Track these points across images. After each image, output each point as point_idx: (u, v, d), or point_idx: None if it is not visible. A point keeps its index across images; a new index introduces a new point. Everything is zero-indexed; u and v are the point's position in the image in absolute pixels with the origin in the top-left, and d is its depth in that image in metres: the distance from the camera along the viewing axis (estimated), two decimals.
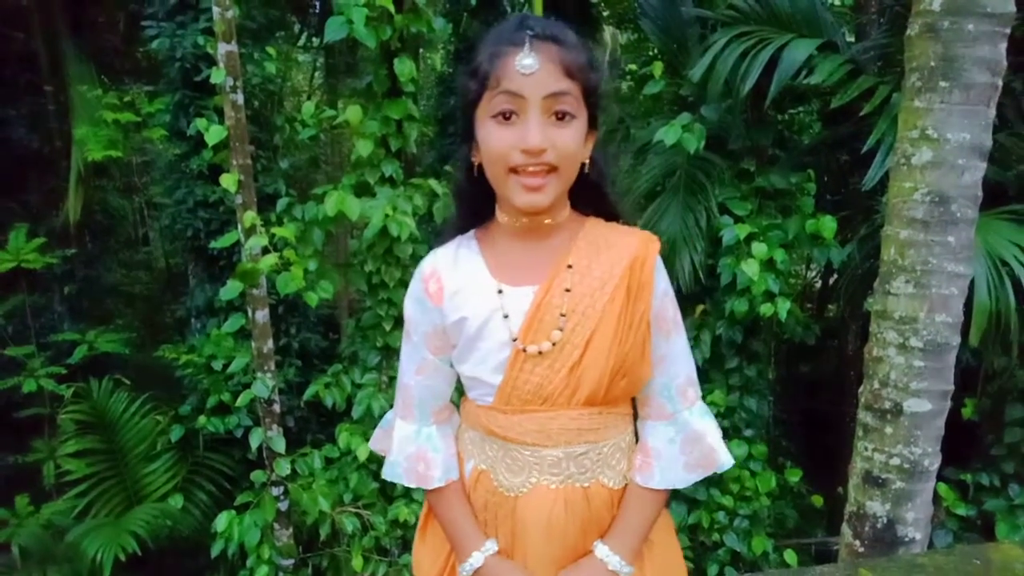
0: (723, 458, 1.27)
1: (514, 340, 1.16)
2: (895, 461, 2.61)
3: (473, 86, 1.12)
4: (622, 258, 1.18)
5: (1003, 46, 2.33)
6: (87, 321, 6.02)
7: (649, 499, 1.23)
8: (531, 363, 1.16)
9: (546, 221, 1.19)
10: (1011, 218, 3.43)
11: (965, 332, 3.23)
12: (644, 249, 1.20)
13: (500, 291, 1.18)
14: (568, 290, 1.16)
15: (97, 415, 4.84)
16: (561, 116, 1.09)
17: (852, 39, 5.19)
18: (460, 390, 1.33)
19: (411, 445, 1.29)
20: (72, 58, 5.83)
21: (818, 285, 7.37)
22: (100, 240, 6.95)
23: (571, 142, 1.10)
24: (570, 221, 1.23)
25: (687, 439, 1.25)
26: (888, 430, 2.62)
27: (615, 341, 1.15)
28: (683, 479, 1.25)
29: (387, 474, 1.31)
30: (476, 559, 1.22)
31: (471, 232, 1.27)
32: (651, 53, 5.52)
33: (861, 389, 2.74)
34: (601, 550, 1.20)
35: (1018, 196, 3.85)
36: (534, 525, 1.19)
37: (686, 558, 3.13)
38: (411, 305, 1.26)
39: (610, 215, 1.27)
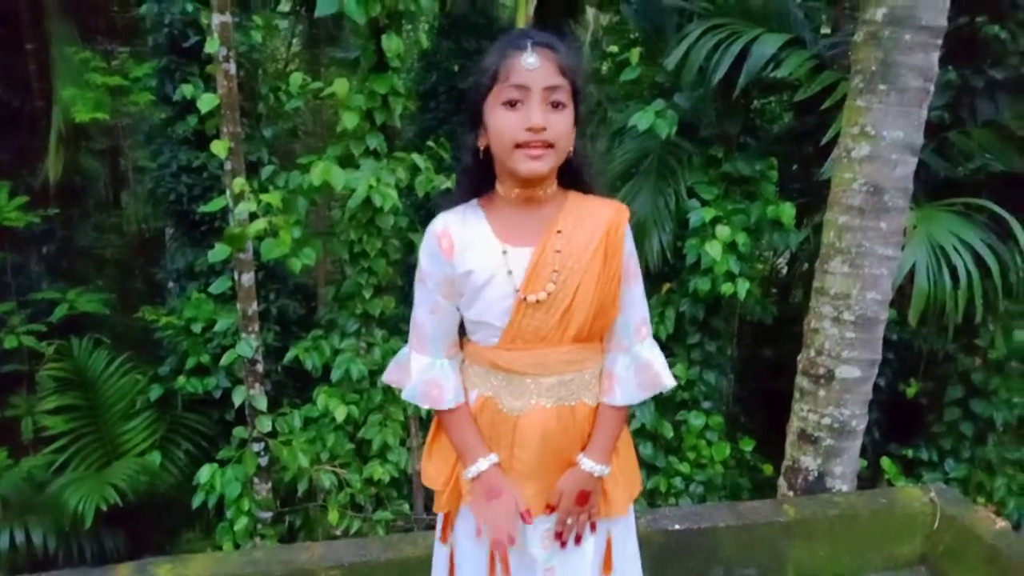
0: (666, 380, 1.58)
1: (517, 291, 1.44)
2: (826, 421, 2.91)
3: (485, 81, 1.38)
4: (600, 225, 1.47)
5: (935, 55, 2.59)
6: (65, 281, 6.06)
7: (614, 415, 1.55)
8: (531, 310, 1.44)
9: (539, 192, 1.46)
10: (954, 210, 3.68)
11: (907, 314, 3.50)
12: (617, 217, 1.50)
13: (504, 251, 1.45)
14: (558, 251, 1.44)
15: (77, 373, 4.92)
16: (556, 105, 1.37)
17: (829, 30, 5.40)
18: (460, 334, 1.59)
19: (427, 374, 1.54)
20: (55, 17, 5.81)
21: (785, 271, 7.64)
22: (76, 202, 6.94)
23: (564, 126, 1.39)
24: (557, 195, 1.51)
25: (639, 366, 1.55)
26: (821, 393, 2.91)
27: (596, 290, 1.45)
28: (637, 396, 1.55)
29: (407, 396, 1.56)
30: (481, 464, 1.50)
31: (475, 201, 1.53)
32: (631, 36, 5.66)
33: (800, 357, 3.02)
34: (584, 461, 1.52)
35: (968, 191, 4.11)
36: (532, 437, 1.49)
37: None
38: (425, 258, 1.51)
39: (588, 190, 1.55)
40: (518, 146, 1.36)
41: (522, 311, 1.44)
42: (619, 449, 1.61)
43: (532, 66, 1.33)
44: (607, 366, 1.56)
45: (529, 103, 1.34)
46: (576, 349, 1.49)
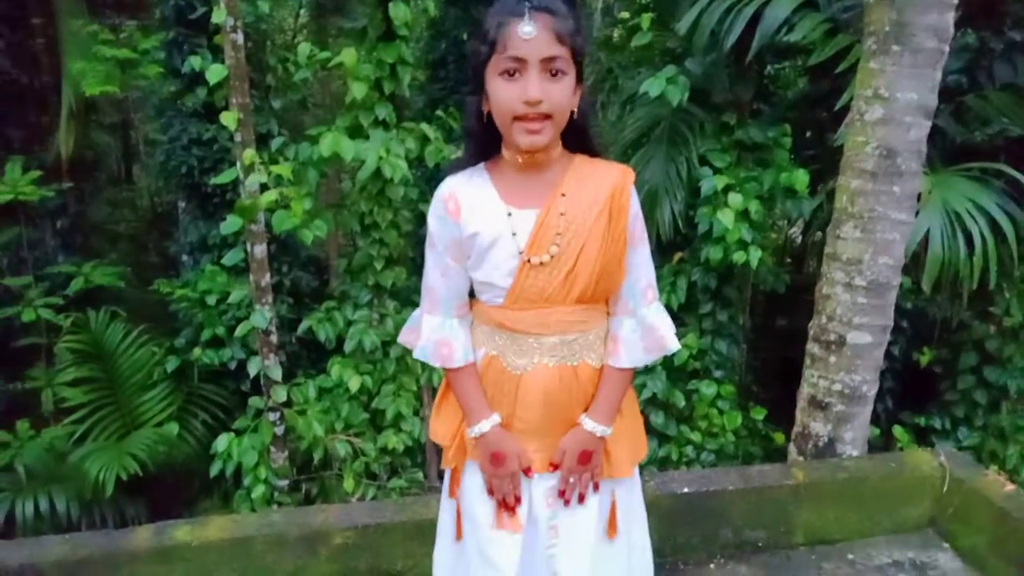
0: (671, 344, 1.59)
1: (521, 253, 1.46)
2: (837, 387, 2.91)
3: (484, 49, 1.37)
4: (605, 187, 1.48)
5: (950, 15, 2.53)
6: (80, 255, 6.11)
7: (618, 377, 1.57)
8: (535, 271, 1.46)
9: (542, 157, 1.46)
10: (970, 175, 3.63)
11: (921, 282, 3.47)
12: (622, 179, 1.50)
13: (509, 214, 1.47)
14: (562, 214, 1.46)
15: (94, 345, 4.98)
16: (554, 73, 1.35)
17: None
18: (470, 295, 1.63)
19: (437, 333, 1.58)
20: None
21: (799, 240, 7.59)
22: (88, 176, 6.98)
23: (562, 96, 1.37)
24: (561, 157, 1.51)
25: (645, 329, 1.56)
26: (832, 359, 2.91)
27: (600, 253, 1.46)
28: (642, 359, 1.57)
29: (418, 355, 1.60)
30: (484, 425, 1.54)
31: (481, 165, 1.54)
32: (642, 2, 5.58)
33: (811, 323, 3.01)
34: (586, 421, 1.55)
35: (985, 156, 4.05)
36: (535, 395, 1.52)
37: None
38: (433, 221, 1.54)
39: (593, 152, 1.55)
40: (516, 119, 1.36)
41: (525, 272, 1.46)
42: (624, 412, 1.62)
43: (529, 35, 1.31)
44: (612, 329, 1.58)
45: (526, 74, 1.33)
46: (580, 310, 1.51)
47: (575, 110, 1.44)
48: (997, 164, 3.76)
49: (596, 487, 1.58)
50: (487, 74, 1.39)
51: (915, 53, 2.55)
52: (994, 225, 3.57)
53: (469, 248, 1.50)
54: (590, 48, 1.57)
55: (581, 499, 1.57)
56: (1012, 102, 3.91)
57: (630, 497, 1.68)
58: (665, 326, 1.58)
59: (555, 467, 1.56)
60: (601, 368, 1.57)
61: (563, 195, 1.46)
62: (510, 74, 1.34)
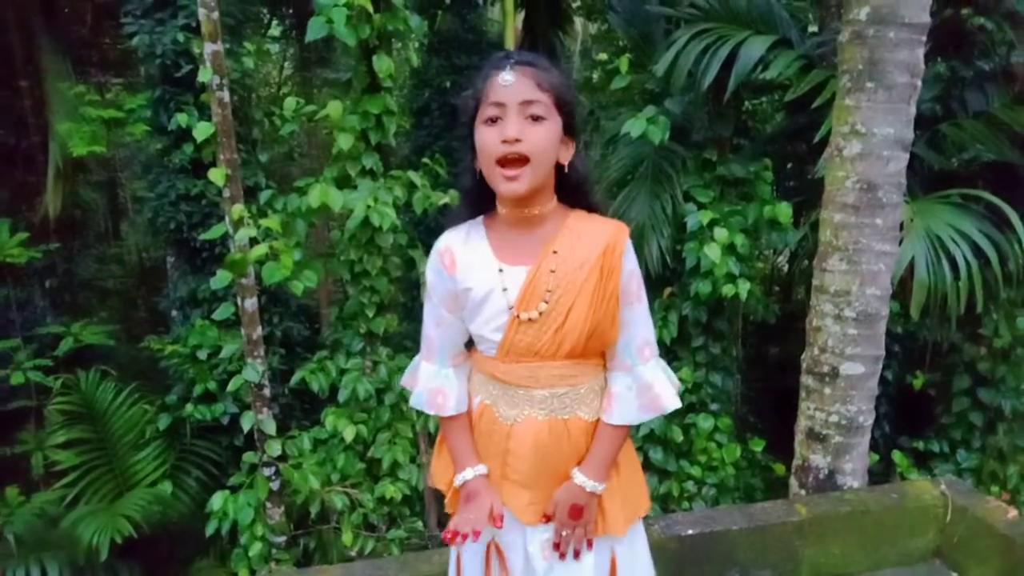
0: (668, 403, 1.57)
1: (511, 308, 1.47)
2: (833, 418, 2.92)
3: (471, 102, 1.44)
4: (598, 244, 1.47)
5: (920, 51, 2.61)
6: (68, 315, 6.09)
7: (611, 433, 1.55)
8: (524, 327, 1.48)
9: (534, 212, 1.48)
10: (949, 202, 3.70)
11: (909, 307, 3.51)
12: (615, 237, 1.49)
13: (500, 270, 1.49)
14: (553, 271, 1.46)
15: (85, 405, 4.94)
16: (535, 118, 1.38)
17: (816, 28, 5.44)
18: (470, 343, 1.66)
19: (433, 382, 1.61)
20: (48, 53, 5.86)
21: (786, 270, 7.66)
22: (76, 235, 6.99)
23: (542, 139, 1.39)
24: (556, 213, 1.52)
25: (641, 387, 1.55)
26: (827, 391, 2.92)
27: (590, 310, 1.46)
28: (636, 417, 1.56)
29: (413, 403, 1.64)
30: (467, 473, 1.57)
31: (480, 219, 1.57)
32: (620, 44, 5.70)
33: (803, 356, 3.03)
34: (577, 476, 1.53)
35: (963, 182, 4.13)
36: (525, 446, 1.53)
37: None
38: (431, 273, 1.57)
39: (591, 208, 1.56)
40: (498, 163, 1.39)
41: (515, 327, 1.48)
42: (620, 467, 1.60)
43: (508, 82, 1.36)
44: (609, 384, 1.58)
45: (506, 118, 1.37)
46: (570, 364, 1.51)
47: (566, 164, 1.47)
48: (976, 190, 3.83)
49: (590, 544, 1.56)
50: (476, 127, 1.43)
51: (889, 89, 2.62)
52: (977, 249, 3.63)
53: (464, 301, 1.53)
54: (578, 103, 1.55)
55: (576, 555, 1.56)
56: (985, 129, 4.01)
57: (632, 552, 1.65)
58: (661, 384, 1.56)
59: (548, 519, 1.55)
60: (595, 422, 1.56)
61: (555, 252, 1.47)
62: (492, 120, 1.38)
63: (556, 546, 1.56)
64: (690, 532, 2.46)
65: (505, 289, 1.48)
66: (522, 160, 1.37)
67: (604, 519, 1.56)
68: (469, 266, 1.51)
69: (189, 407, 4.72)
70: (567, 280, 1.45)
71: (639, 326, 1.54)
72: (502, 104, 1.37)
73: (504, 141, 1.36)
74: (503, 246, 1.51)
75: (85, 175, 7.27)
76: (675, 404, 1.57)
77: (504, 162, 1.38)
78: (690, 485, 4.40)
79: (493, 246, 1.52)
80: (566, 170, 1.48)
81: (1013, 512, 2.52)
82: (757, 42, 3.86)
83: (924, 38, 2.61)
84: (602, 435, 1.55)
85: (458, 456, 1.60)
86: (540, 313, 1.46)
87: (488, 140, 1.39)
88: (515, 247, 1.50)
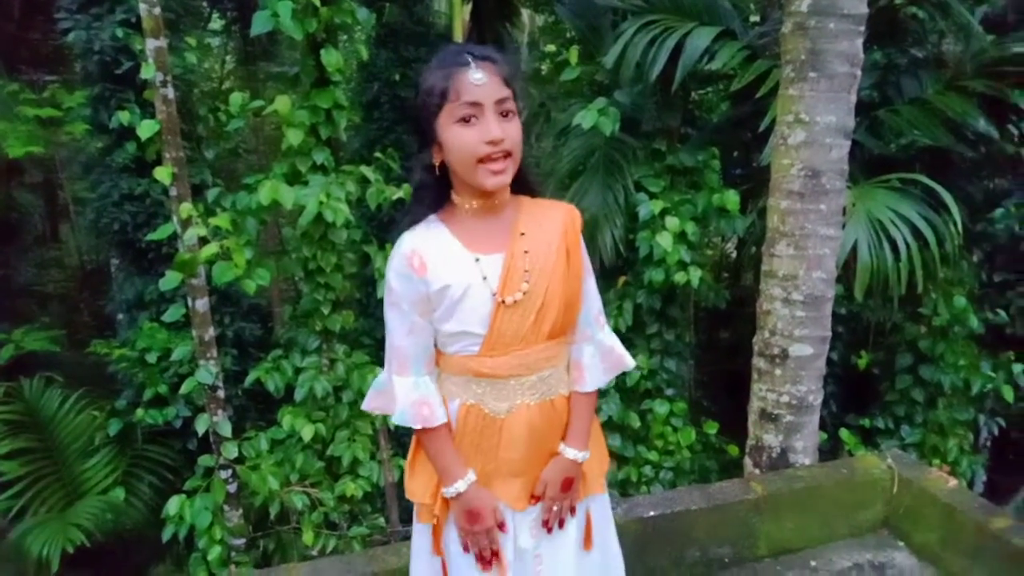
0: (628, 361, 1.73)
1: (494, 295, 1.49)
2: (784, 399, 3.02)
3: (434, 100, 1.42)
4: (557, 224, 1.56)
5: (859, 41, 2.71)
6: (8, 321, 5.87)
7: (586, 401, 1.65)
8: (509, 312, 1.50)
9: (496, 201, 1.52)
10: (889, 186, 3.83)
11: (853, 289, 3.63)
12: (570, 217, 1.59)
13: (477, 259, 1.50)
14: (526, 252, 1.52)
15: (29, 414, 4.77)
16: (506, 114, 1.43)
17: (758, 19, 5.56)
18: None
19: (414, 394, 1.56)
20: None
21: (734, 256, 7.83)
22: (13, 239, 6.74)
23: (518, 133, 1.46)
24: (510, 200, 1.57)
25: (603, 352, 1.68)
26: (777, 372, 3.02)
27: (564, 287, 1.54)
28: (603, 380, 1.68)
29: (397, 420, 1.57)
30: (460, 485, 1.55)
31: (433, 217, 1.55)
32: (568, 35, 5.74)
33: (755, 339, 3.11)
34: (567, 450, 1.62)
35: (901, 166, 4.28)
36: (519, 435, 1.56)
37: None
38: (396, 279, 1.52)
39: (534, 192, 1.62)
40: (480, 161, 1.41)
41: (500, 314, 1.49)
42: (591, 432, 1.70)
43: (480, 81, 1.38)
44: (575, 357, 1.66)
45: (484, 118, 1.40)
46: (551, 345, 1.56)
47: None
48: (914, 174, 3.98)
49: (573, 511, 1.65)
50: (439, 124, 1.43)
51: (831, 79, 2.71)
52: (916, 231, 3.78)
53: (438, 302, 1.50)
54: (526, 93, 1.67)
55: (561, 524, 1.64)
56: (920, 115, 4.16)
57: (603, 509, 1.76)
58: (619, 345, 1.71)
59: (536, 499, 1.61)
60: (570, 395, 1.64)
61: (522, 234, 1.52)
62: (466, 120, 1.40)
63: (545, 523, 1.62)
64: (651, 514, 2.52)
65: (485, 278, 1.49)
66: (506, 156, 1.43)
67: (586, 482, 1.67)
68: (442, 264, 1.49)
69: (140, 412, 4.61)
70: (541, 260, 1.52)
71: (592, 297, 1.66)
72: (478, 104, 1.39)
73: (490, 142, 1.39)
74: (471, 237, 1.52)
75: (21, 177, 7.00)
76: (632, 361, 1.74)
77: (487, 159, 1.41)
78: (648, 470, 4.48)
79: (461, 239, 1.52)
80: None
81: (953, 482, 2.65)
82: (702, 33, 3.94)
83: (863, 28, 2.70)
84: (579, 405, 1.64)
85: (445, 467, 1.56)
86: (523, 294, 1.50)
87: (468, 141, 1.40)
88: (483, 236, 1.52)
